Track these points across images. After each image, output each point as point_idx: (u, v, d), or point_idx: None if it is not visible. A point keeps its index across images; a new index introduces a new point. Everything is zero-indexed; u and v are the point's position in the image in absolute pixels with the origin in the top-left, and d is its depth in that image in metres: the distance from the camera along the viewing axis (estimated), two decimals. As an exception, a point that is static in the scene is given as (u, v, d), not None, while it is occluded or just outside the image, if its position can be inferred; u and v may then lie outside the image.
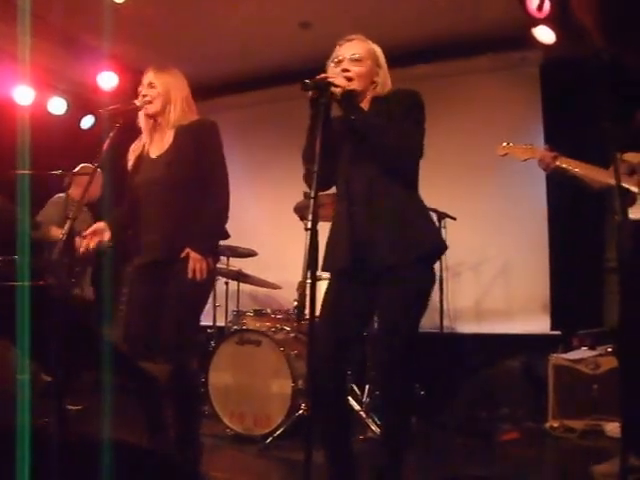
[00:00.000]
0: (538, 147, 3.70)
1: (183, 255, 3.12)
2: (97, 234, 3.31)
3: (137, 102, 3.28)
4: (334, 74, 2.70)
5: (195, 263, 3.11)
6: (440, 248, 2.87)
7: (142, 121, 3.37)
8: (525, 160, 3.65)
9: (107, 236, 3.33)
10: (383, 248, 2.67)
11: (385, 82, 2.84)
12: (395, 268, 2.66)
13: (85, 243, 3.28)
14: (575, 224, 5.42)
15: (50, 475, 1.77)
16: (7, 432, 1.84)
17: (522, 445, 4.33)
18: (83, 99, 6.46)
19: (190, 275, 3.09)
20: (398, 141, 2.66)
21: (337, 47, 2.84)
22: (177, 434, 3.16)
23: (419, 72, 5.88)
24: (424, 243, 2.73)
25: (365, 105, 2.81)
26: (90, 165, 4.70)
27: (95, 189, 5.16)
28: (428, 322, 5.25)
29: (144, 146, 3.38)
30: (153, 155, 3.33)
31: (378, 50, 2.87)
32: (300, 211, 4.73)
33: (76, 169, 4.94)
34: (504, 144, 3.78)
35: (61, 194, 4.95)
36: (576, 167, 3.51)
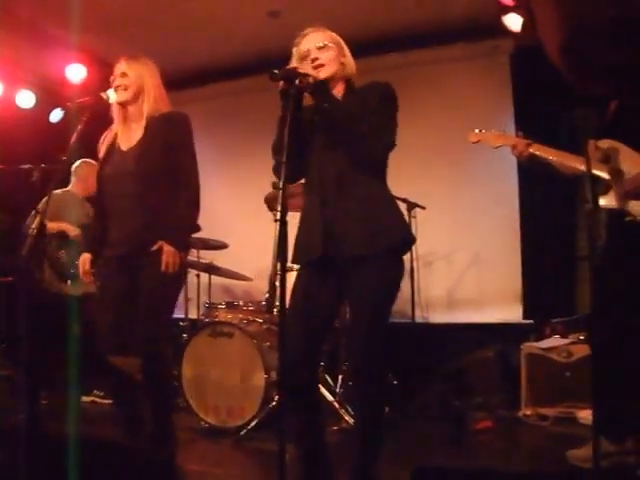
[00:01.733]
0: (511, 134, 3.70)
1: (156, 248, 3.11)
2: (88, 271, 3.34)
3: (103, 94, 3.25)
4: (305, 65, 2.71)
5: (169, 257, 3.10)
6: (408, 240, 2.89)
7: (115, 111, 3.34)
8: (497, 147, 3.64)
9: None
10: (352, 239, 2.69)
11: (351, 62, 2.87)
12: (364, 259, 2.68)
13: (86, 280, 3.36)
14: (546, 213, 5.45)
15: (25, 471, 1.75)
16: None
17: (496, 433, 4.36)
18: (52, 92, 6.39)
19: (163, 268, 3.09)
20: (371, 131, 2.66)
21: (298, 39, 2.85)
22: (152, 427, 3.15)
23: (390, 61, 5.90)
24: (392, 235, 2.75)
25: (339, 91, 2.83)
26: (91, 161, 4.70)
27: (93, 183, 5.13)
28: (400, 312, 5.28)
29: (116, 137, 3.35)
30: (124, 147, 3.30)
31: (335, 35, 2.88)
32: (269, 202, 4.71)
33: (76, 163, 4.93)
34: (476, 131, 3.77)
35: (62, 190, 4.90)
36: (550, 154, 3.50)
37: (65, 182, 4.98)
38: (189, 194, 3.23)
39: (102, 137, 3.40)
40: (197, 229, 3.37)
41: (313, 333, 2.75)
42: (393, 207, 2.84)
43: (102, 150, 3.38)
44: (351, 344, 2.84)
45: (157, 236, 3.13)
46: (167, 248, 3.10)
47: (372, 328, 2.70)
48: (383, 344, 2.76)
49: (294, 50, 2.85)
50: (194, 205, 3.24)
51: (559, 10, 1.46)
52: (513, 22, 4.88)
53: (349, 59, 2.87)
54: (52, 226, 4.60)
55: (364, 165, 2.73)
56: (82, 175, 4.98)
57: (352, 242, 2.68)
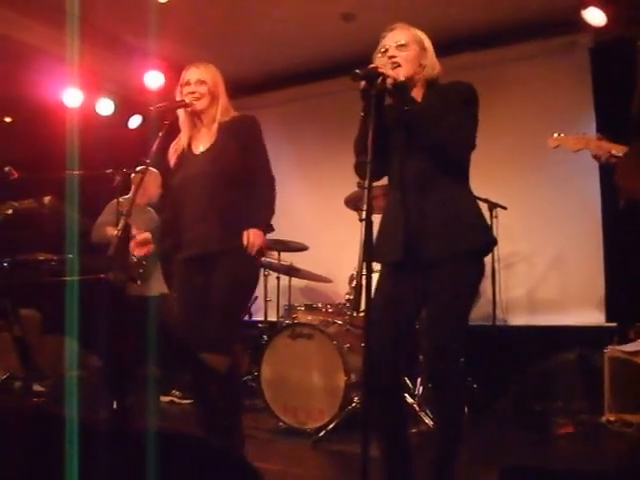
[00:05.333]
0: (591, 136, 3.61)
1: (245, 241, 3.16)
2: (144, 245, 3.52)
3: (186, 99, 3.31)
4: (383, 64, 2.69)
5: (252, 237, 3.15)
6: (489, 242, 2.85)
7: (182, 118, 3.39)
8: (577, 151, 3.58)
9: (151, 247, 3.53)
10: (433, 241, 2.66)
11: (433, 64, 2.82)
12: (444, 261, 2.65)
13: (134, 251, 3.53)
14: (630, 212, 5.30)
15: (103, 466, 1.79)
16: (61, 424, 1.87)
17: (578, 439, 4.26)
18: (130, 99, 6.54)
19: (244, 242, 3.14)
20: (450, 132, 2.64)
21: (381, 39, 2.83)
22: (221, 423, 3.19)
23: (465, 61, 5.81)
24: (473, 237, 2.71)
25: (419, 93, 2.79)
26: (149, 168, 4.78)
27: (154, 189, 5.24)
28: (481, 314, 5.21)
29: (185, 144, 3.40)
30: (197, 151, 3.36)
31: (422, 34, 2.84)
32: (353, 202, 4.73)
33: (135, 169, 5.00)
34: (555, 135, 3.69)
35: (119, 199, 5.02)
36: None
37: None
38: (266, 191, 3.29)
39: (171, 147, 3.45)
40: (270, 229, 3.41)
41: (396, 334, 2.73)
42: (475, 208, 2.80)
43: (173, 159, 3.44)
44: (430, 347, 2.80)
45: (231, 235, 3.17)
46: (252, 230, 3.16)
47: (451, 331, 2.67)
48: (462, 347, 2.74)
49: (380, 42, 2.83)
50: (272, 201, 3.31)
51: None
52: (594, 16, 4.78)
53: (431, 61, 2.81)
54: (112, 232, 4.71)
55: (445, 166, 2.70)
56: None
57: (433, 245, 2.66)
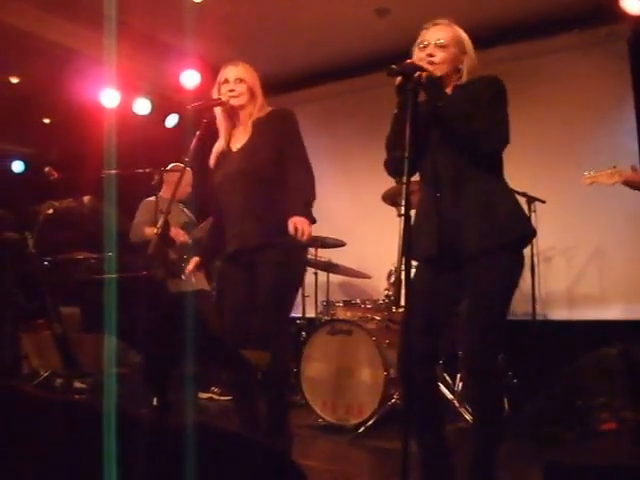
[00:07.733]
0: (623, 169, 3.66)
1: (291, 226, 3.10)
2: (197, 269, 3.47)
3: (224, 97, 3.32)
4: (420, 59, 2.67)
5: (301, 224, 3.06)
6: (528, 234, 2.80)
7: (220, 117, 3.41)
8: (612, 185, 3.61)
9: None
10: (469, 235, 2.63)
11: (471, 69, 2.77)
12: (482, 255, 2.62)
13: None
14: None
15: (142, 463, 1.80)
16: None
17: (621, 436, 4.18)
18: (167, 99, 6.59)
19: (291, 231, 3.06)
20: (486, 126, 2.61)
21: (423, 31, 2.80)
22: (266, 424, 3.19)
23: (502, 54, 5.76)
24: (511, 229, 2.67)
25: (447, 91, 2.75)
26: (180, 164, 4.80)
27: (184, 186, 5.27)
28: (520, 309, 5.15)
29: (224, 143, 3.42)
30: (234, 148, 3.37)
31: (464, 36, 2.80)
32: (391, 198, 4.73)
33: (167, 167, 5.02)
34: (586, 173, 3.81)
35: (150, 197, 5.06)
36: None
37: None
38: (302, 175, 3.25)
39: (214, 148, 3.46)
40: (313, 221, 3.42)
41: (431, 330, 2.71)
42: (510, 201, 2.75)
43: (213, 159, 3.44)
44: (465, 343, 2.78)
45: (270, 231, 3.17)
46: (296, 217, 3.08)
47: (486, 328, 2.63)
48: (497, 343, 2.69)
49: (420, 34, 2.79)
50: (309, 182, 3.26)
51: None
52: (632, 6, 4.72)
53: (468, 64, 2.76)
54: (150, 232, 4.75)
55: (478, 161, 2.67)
56: (170, 179, 5.02)
57: (467, 240, 2.63)
